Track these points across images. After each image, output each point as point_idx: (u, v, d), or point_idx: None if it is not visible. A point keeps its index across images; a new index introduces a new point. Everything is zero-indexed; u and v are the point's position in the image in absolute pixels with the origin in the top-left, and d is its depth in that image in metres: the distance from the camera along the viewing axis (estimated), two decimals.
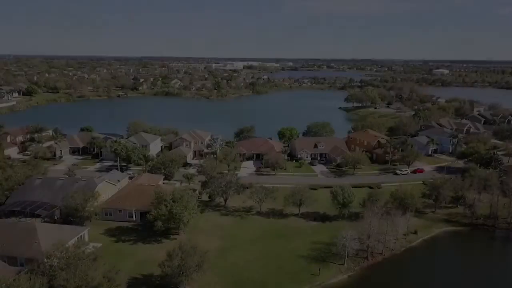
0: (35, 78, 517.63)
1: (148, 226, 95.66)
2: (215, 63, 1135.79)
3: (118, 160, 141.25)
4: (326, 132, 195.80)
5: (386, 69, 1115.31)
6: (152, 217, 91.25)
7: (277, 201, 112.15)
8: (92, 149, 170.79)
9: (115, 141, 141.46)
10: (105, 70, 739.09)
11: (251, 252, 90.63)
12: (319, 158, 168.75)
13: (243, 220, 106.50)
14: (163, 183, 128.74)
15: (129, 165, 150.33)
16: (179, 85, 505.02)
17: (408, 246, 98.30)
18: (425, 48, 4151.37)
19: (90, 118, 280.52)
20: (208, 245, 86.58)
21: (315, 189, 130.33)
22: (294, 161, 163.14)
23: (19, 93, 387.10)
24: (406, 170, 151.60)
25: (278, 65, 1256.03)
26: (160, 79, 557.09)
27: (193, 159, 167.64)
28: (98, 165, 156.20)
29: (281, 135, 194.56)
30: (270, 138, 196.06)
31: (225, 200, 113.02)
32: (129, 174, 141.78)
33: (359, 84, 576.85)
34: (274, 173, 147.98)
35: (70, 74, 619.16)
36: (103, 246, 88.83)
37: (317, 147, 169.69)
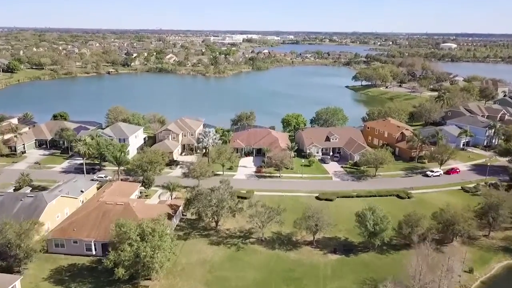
0: (21, 53, 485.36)
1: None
2: (214, 36, 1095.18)
3: (84, 162, 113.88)
4: (338, 120, 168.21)
5: (391, 43, 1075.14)
6: (111, 262, 64.96)
7: (285, 217, 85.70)
8: (62, 142, 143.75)
9: (79, 140, 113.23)
10: (97, 44, 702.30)
11: None
12: (331, 153, 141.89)
13: (240, 253, 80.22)
14: (139, 195, 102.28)
15: (105, 163, 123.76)
16: (174, 60, 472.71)
17: None
18: (427, 20, 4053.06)
19: (71, 100, 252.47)
20: None
21: (331, 200, 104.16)
22: (302, 158, 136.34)
23: None
24: (438, 171, 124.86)
25: (278, 38, 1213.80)
26: (155, 54, 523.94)
27: (181, 154, 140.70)
28: (66, 164, 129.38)
29: (286, 123, 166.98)
30: (273, 128, 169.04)
31: (217, 222, 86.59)
32: (100, 178, 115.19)
33: (365, 60, 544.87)
34: (278, 174, 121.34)
35: (60, 48, 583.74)
36: None
37: (329, 140, 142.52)
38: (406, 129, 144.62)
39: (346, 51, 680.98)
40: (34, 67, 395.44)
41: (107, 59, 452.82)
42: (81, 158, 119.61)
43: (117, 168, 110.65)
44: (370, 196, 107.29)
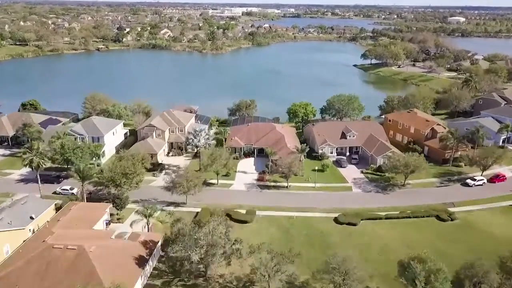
0: (6, 27, 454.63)
1: None
2: (212, 9, 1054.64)
3: (38, 175, 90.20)
4: (354, 110, 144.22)
5: (395, 16, 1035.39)
6: None
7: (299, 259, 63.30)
8: (27, 140, 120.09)
9: (27, 150, 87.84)
10: (89, 18, 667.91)
11: None
12: (347, 153, 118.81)
13: None
14: (109, 219, 79.57)
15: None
16: (169, 36, 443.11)
17: None
18: None
19: (51, 83, 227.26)
20: None
21: (354, 224, 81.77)
22: (313, 159, 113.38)
23: None
24: (481, 179, 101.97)
25: (279, 11, 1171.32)
26: (149, 28, 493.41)
27: (168, 154, 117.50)
28: (26, 169, 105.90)
29: (292, 114, 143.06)
30: (277, 119, 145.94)
31: (206, 268, 63.95)
32: (65, 191, 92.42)
33: (372, 35, 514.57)
34: (286, 184, 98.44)
35: (50, 22, 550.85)
36: None
37: (345, 137, 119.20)
38: (438, 124, 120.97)
39: (350, 25, 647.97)
40: (17, 43, 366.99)
41: (98, 34, 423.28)
42: (48, 161, 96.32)
43: (82, 183, 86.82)
44: (404, 218, 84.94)
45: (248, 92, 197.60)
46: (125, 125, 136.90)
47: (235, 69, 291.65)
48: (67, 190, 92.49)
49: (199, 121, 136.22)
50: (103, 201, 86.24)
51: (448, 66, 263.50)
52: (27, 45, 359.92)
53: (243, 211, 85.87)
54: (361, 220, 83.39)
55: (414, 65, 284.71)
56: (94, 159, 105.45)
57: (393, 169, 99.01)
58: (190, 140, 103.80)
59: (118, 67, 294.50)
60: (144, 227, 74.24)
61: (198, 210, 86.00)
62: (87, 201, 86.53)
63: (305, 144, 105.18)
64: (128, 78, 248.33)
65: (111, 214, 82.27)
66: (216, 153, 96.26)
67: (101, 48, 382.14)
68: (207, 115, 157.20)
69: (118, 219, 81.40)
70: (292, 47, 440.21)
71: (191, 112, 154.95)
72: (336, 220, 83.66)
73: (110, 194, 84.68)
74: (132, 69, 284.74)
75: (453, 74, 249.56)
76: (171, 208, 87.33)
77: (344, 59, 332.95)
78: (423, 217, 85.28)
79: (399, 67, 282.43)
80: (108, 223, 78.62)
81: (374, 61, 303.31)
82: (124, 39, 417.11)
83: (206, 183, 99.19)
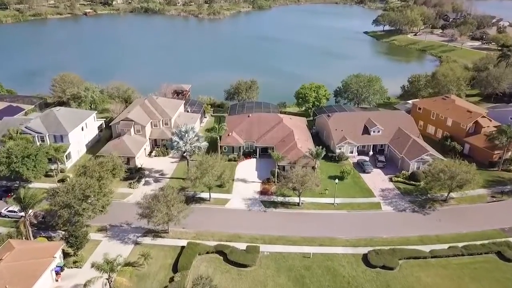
0: None
1: None
2: None
3: None
4: (375, 94, 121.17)
5: None
6: None
7: None
8: None
9: None
10: None
11: None
12: (370, 152, 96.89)
13: None
14: (59, 268, 58.46)
15: (30, 178, 79.05)
16: None
17: None
18: None
19: (24, 57, 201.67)
20: None
21: (391, 269, 61.03)
22: (329, 160, 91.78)
23: None
24: None
25: None
26: None
27: (150, 155, 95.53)
28: None
29: (301, 99, 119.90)
30: (284, 105, 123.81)
31: None
32: (11, 213, 71.24)
33: None
34: (297, 200, 77.09)
35: None
36: None
37: (368, 132, 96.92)
38: (483, 116, 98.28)
39: None
40: None
41: None
42: None
43: (25, 213, 65.05)
44: (455, 256, 64.16)
45: (248, 66, 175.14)
46: (101, 112, 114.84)
47: (234, 37, 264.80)
48: (14, 212, 71.07)
49: (189, 108, 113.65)
50: (62, 228, 65.40)
51: (471, 34, 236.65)
52: (7, 8, 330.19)
53: (243, 246, 65.01)
54: (400, 260, 62.68)
55: (432, 32, 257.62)
56: (56, 164, 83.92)
57: (433, 183, 77.18)
58: (175, 143, 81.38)
59: (105, 35, 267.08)
60: (106, 284, 53.48)
61: (184, 243, 65.30)
62: (36, 231, 66.10)
63: (320, 147, 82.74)
64: (115, 49, 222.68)
65: (66, 255, 61.48)
66: (206, 164, 74.11)
67: (89, 12, 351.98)
68: (201, 95, 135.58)
69: (74, 262, 60.53)
70: (296, 11, 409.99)
71: (182, 93, 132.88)
72: (365, 259, 62.96)
73: (66, 224, 63.28)
74: (121, 38, 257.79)
75: (477, 43, 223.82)
76: (148, 240, 66.66)
77: (353, 25, 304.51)
78: (481, 254, 64.54)
79: (415, 35, 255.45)
80: (59, 271, 57.86)
81: (387, 28, 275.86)
82: (114, 2, 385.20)
83: (195, 199, 78.21)
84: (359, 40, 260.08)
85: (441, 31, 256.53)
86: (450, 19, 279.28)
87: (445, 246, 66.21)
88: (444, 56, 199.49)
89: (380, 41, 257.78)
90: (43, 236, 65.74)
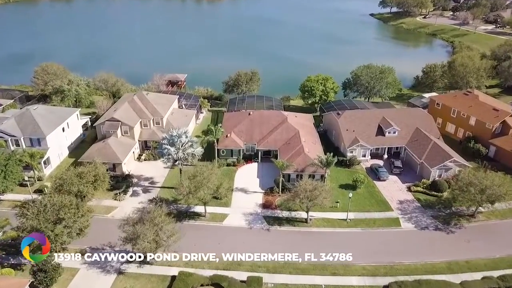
0: None
1: None
2: None
3: None
4: (387, 88, 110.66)
5: None
6: None
7: None
8: None
9: None
10: None
11: None
12: (385, 155, 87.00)
13: None
14: None
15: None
16: None
17: None
18: None
19: (9, 42, 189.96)
20: None
21: None
22: (339, 165, 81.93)
23: None
24: None
25: None
26: None
27: (139, 158, 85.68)
28: None
29: (307, 92, 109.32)
30: (288, 98, 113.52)
31: None
32: None
33: None
34: (306, 217, 67.51)
35: None
36: None
37: (382, 133, 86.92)
38: (511, 115, 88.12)
39: None
40: None
41: None
42: None
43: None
44: None
45: (248, 52, 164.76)
46: (88, 107, 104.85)
47: (234, 20, 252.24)
48: None
49: (184, 102, 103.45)
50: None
51: (484, 17, 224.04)
52: None
53: (243, 276, 55.90)
54: None
55: (442, 15, 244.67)
56: (32, 171, 74.39)
57: (461, 197, 67.42)
58: (165, 150, 71.39)
59: (97, 18, 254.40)
60: None
61: (175, 272, 56.24)
62: (5, 256, 57.08)
63: (331, 155, 72.79)
64: (106, 33, 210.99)
65: None
66: (202, 175, 64.35)
67: None
68: (198, 86, 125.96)
69: None
70: None
71: (177, 84, 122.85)
72: None
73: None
74: (113, 21, 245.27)
75: (490, 27, 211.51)
76: (133, 268, 57.47)
77: (357, 6, 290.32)
78: None
79: (424, 17, 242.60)
80: None
81: (394, 9, 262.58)
82: None
83: (188, 214, 68.83)
84: (365, 23, 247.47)
85: (451, 13, 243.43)
86: (461, 0, 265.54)
87: (478, 275, 57.14)
88: (456, 41, 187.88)
89: (387, 24, 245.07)
90: (10, 266, 56.43)
